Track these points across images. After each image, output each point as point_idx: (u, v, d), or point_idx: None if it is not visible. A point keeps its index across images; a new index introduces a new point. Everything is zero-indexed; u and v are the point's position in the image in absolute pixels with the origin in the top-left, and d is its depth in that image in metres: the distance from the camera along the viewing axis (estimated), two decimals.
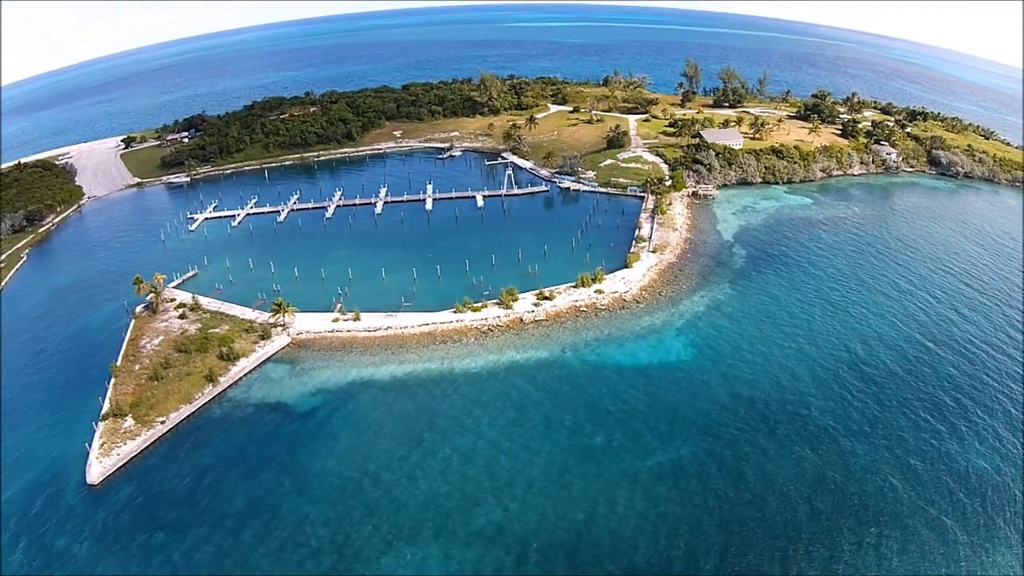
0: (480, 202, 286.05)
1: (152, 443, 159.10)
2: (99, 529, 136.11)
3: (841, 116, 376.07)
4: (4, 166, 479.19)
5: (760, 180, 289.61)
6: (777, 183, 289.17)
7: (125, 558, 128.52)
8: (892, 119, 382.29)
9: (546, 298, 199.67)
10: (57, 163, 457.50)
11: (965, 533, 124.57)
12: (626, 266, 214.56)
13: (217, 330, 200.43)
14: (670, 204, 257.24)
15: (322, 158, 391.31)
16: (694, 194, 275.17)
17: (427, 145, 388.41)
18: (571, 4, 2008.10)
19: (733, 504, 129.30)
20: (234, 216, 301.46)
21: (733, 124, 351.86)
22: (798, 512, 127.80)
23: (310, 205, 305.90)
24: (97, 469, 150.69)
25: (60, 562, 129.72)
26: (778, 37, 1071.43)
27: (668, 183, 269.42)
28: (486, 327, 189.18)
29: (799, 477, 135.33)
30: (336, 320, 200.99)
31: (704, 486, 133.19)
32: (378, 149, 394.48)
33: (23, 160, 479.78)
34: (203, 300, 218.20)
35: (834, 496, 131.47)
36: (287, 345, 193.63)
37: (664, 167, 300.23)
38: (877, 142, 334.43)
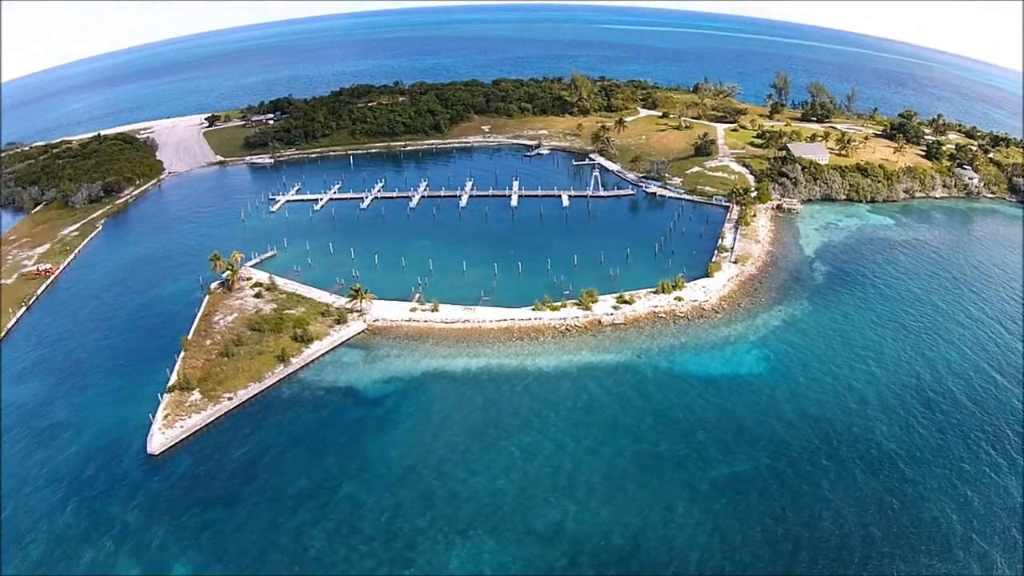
0: (566, 202, 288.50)
1: (217, 418, 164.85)
2: (153, 498, 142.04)
3: (926, 137, 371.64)
4: (84, 136, 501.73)
5: (844, 197, 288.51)
6: (860, 201, 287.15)
7: (175, 528, 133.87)
8: (975, 143, 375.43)
9: (625, 302, 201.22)
10: (138, 137, 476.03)
11: (1013, 572, 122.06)
12: (707, 275, 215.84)
13: (292, 311, 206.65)
14: (754, 216, 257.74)
15: (408, 148, 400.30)
16: (778, 207, 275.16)
17: (515, 141, 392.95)
18: (662, 8, 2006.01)
19: (789, 523, 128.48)
20: (316, 200, 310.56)
21: (820, 139, 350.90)
22: (852, 536, 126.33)
23: (394, 194, 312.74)
24: (159, 439, 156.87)
25: (107, 526, 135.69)
26: (867, 54, 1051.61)
27: (753, 194, 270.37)
28: (564, 327, 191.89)
29: (856, 500, 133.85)
30: (414, 309, 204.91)
31: (762, 502, 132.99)
32: (465, 142, 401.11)
33: (103, 132, 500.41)
34: (280, 281, 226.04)
35: (889, 522, 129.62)
36: (362, 331, 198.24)
37: (750, 178, 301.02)
38: (960, 166, 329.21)
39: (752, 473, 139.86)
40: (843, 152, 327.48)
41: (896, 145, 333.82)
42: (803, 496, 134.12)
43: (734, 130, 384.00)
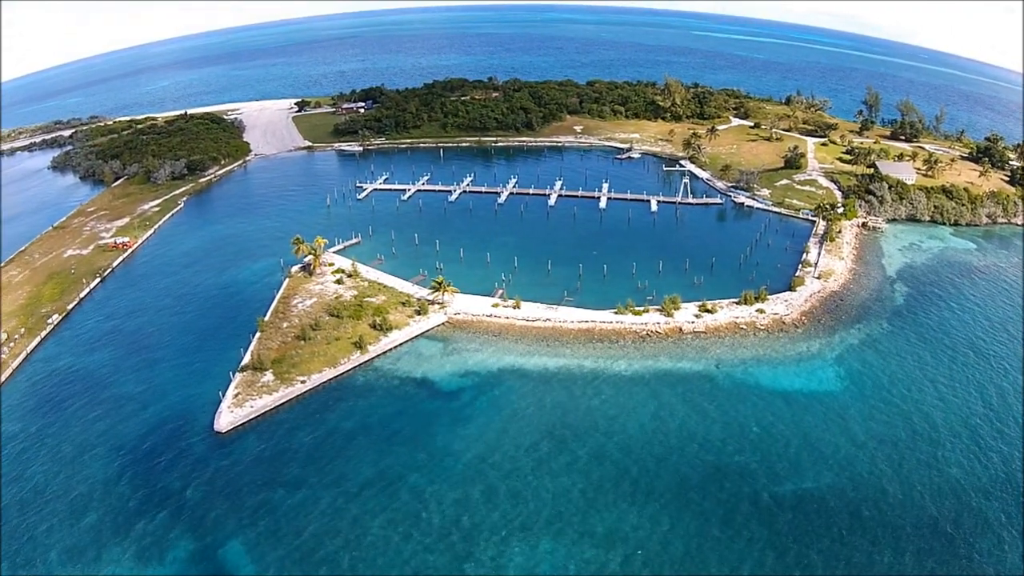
0: (654, 207, 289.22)
1: (288, 401, 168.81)
2: (215, 475, 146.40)
3: (1011, 162, 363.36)
4: (170, 114, 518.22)
5: (928, 218, 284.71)
6: (944, 223, 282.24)
7: (234, 506, 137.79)
8: None
9: (708, 311, 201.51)
10: (225, 118, 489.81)
11: None
12: (790, 288, 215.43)
13: (373, 299, 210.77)
14: (839, 232, 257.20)
15: (499, 144, 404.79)
16: (863, 225, 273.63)
17: (606, 144, 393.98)
18: (755, 19, 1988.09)
19: (846, 545, 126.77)
20: (404, 190, 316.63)
21: (908, 158, 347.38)
22: (905, 563, 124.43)
23: (483, 189, 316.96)
24: (227, 417, 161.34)
25: (165, 499, 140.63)
26: (959, 75, 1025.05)
27: (840, 211, 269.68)
28: (644, 332, 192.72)
29: (914, 526, 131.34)
30: (496, 305, 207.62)
31: (823, 522, 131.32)
32: (557, 142, 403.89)
33: (189, 111, 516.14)
34: (362, 268, 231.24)
35: (944, 549, 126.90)
36: (442, 323, 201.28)
37: (838, 194, 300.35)
38: None
39: (817, 492, 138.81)
40: (929, 173, 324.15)
41: (981, 169, 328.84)
42: (863, 519, 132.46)
43: (824, 144, 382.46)
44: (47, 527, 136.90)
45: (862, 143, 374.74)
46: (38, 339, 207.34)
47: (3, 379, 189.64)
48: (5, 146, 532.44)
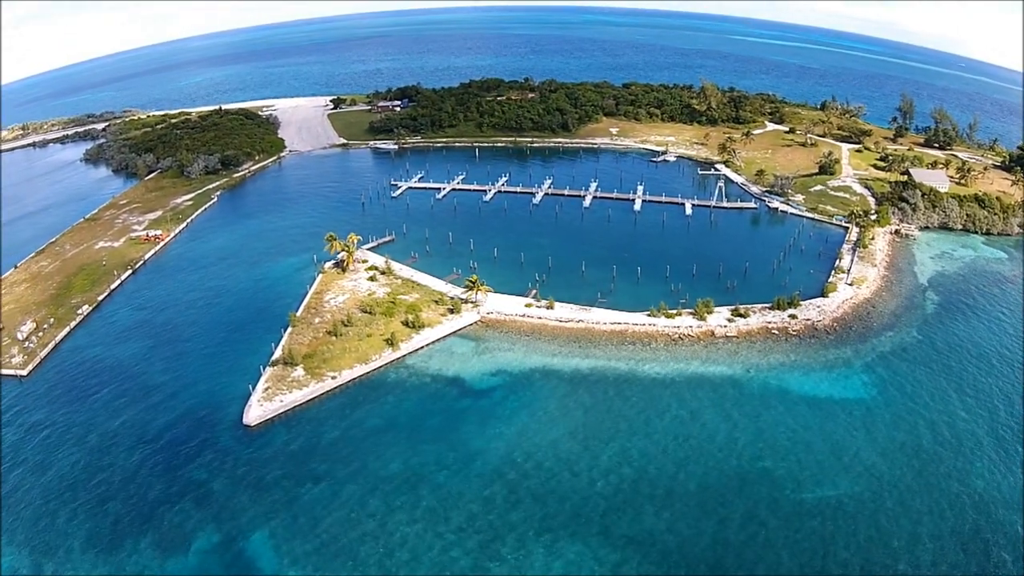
0: (689, 210, 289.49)
1: (318, 396, 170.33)
2: (243, 468, 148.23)
3: None
4: (204, 109, 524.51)
5: (960, 227, 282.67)
6: (976, 232, 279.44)
7: (260, 499, 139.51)
8: None
9: (740, 315, 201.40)
10: (260, 114, 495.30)
11: None
12: (822, 295, 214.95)
13: (406, 297, 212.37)
14: (872, 239, 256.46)
15: (535, 145, 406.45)
16: (896, 232, 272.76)
17: (642, 146, 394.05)
18: (791, 24, 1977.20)
19: (866, 555, 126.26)
20: (439, 189, 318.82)
21: (941, 166, 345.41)
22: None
23: (518, 189, 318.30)
24: (256, 411, 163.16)
25: (191, 490, 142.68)
26: (994, 84, 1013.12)
27: (873, 217, 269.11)
28: (677, 335, 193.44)
29: (933, 537, 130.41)
30: (529, 306, 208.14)
31: (847, 530, 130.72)
32: (592, 143, 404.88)
33: (224, 106, 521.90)
34: (396, 266, 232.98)
35: (963, 562, 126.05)
36: (475, 322, 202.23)
37: (871, 200, 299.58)
38: None
39: (842, 499, 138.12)
40: (962, 181, 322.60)
41: (1014, 178, 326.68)
42: (884, 531, 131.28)
43: (858, 151, 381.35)
44: (69, 514, 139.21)
45: (896, 150, 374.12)
46: (67, 329, 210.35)
47: (30, 369, 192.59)
48: (37, 138, 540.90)
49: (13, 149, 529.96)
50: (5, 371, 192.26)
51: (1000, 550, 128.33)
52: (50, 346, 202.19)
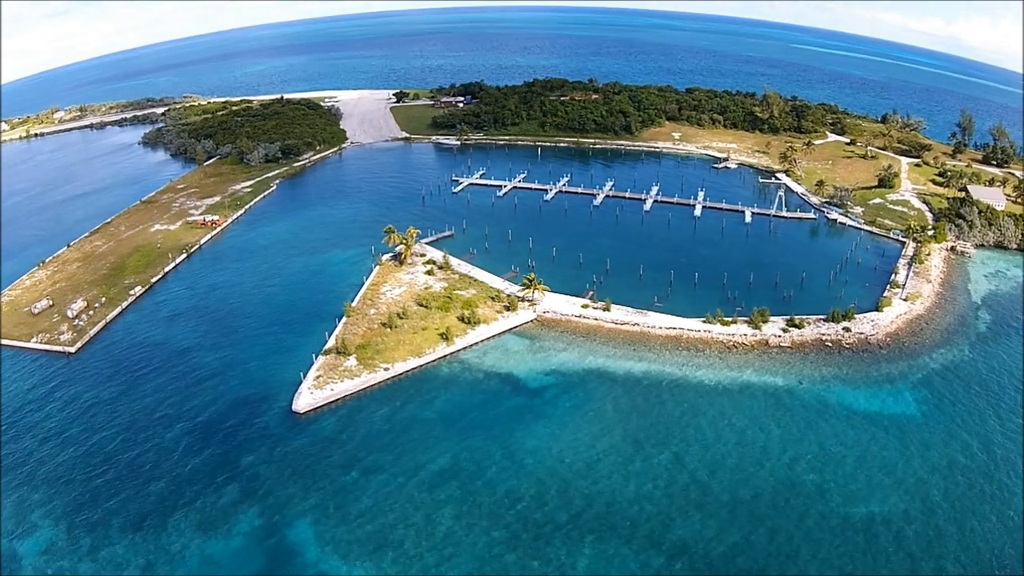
0: (748, 218, 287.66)
1: (369, 386, 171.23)
2: (290, 454, 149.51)
3: None
4: (266, 97, 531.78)
5: (1015, 247, 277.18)
6: None
7: (306, 486, 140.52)
8: None
9: (795, 325, 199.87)
10: (322, 104, 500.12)
11: None
12: (877, 309, 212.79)
13: (462, 292, 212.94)
14: (928, 255, 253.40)
15: (597, 146, 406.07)
16: (952, 249, 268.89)
17: (704, 152, 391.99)
18: (853, 35, 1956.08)
19: (910, 569, 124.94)
20: (500, 187, 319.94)
21: (998, 184, 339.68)
22: None
23: (579, 190, 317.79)
24: (307, 399, 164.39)
25: (236, 474, 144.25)
26: None
27: (930, 233, 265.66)
28: (731, 343, 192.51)
29: (974, 559, 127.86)
30: (585, 306, 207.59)
31: (893, 548, 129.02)
32: (655, 147, 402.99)
33: (286, 96, 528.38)
34: (454, 261, 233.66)
35: None
36: (531, 321, 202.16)
37: (928, 216, 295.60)
38: None
39: (889, 516, 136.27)
40: (1019, 200, 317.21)
41: None
42: (931, 549, 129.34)
43: (917, 165, 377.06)
44: (111, 491, 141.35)
45: (955, 166, 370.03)
46: (118, 309, 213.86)
47: (78, 346, 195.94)
48: (94, 119, 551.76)
49: (70, 130, 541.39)
50: (53, 347, 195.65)
51: None
52: (100, 325, 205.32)
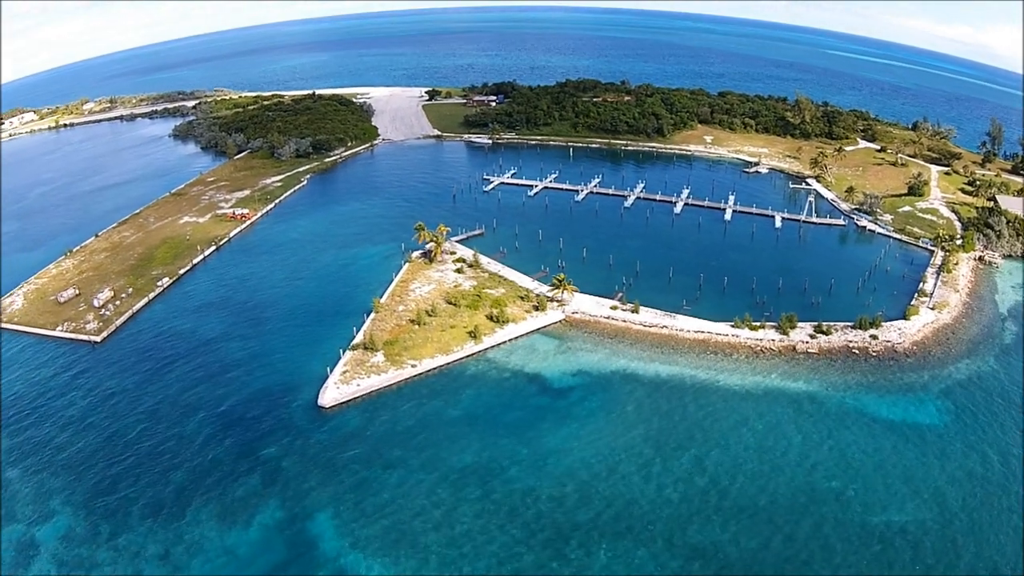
0: (778, 223, 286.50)
1: (396, 383, 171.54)
2: (314, 448, 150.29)
3: None
4: (298, 93, 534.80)
5: None
6: None
7: (328, 480, 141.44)
8: None
9: (823, 332, 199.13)
10: (354, 101, 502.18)
11: None
12: (904, 317, 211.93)
13: (491, 291, 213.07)
14: (956, 264, 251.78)
15: (629, 148, 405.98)
16: (980, 259, 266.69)
17: (736, 156, 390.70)
18: (887, 41, 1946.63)
19: None
20: (531, 186, 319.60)
21: None
22: None
23: (610, 191, 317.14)
24: (332, 393, 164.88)
25: (259, 466, 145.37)
26: None
27: (959, 242, 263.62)
28: (759, 348, 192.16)
29: (991, 572, 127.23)
30: (614, 308, 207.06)
31: (911, 557, 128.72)
32: (686, 150, 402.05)
33: (318, 91, 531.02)
34: (484, 259, 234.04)
35: None
36: (559, 321, 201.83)
37: (957, 225, 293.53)
38: None
39: (908, 526, 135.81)
40: None
41: None
42: (946, 560, 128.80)
43: (947, 174, 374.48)
44: (132, 479, 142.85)
45: (984, 175, 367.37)
46: (145, 300, 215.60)
47: (104, 336, 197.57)
48: (124, 111, 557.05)
49: (100, 121, 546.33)
50: (78, 336, 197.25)
51: None
52: (126, 315, 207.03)
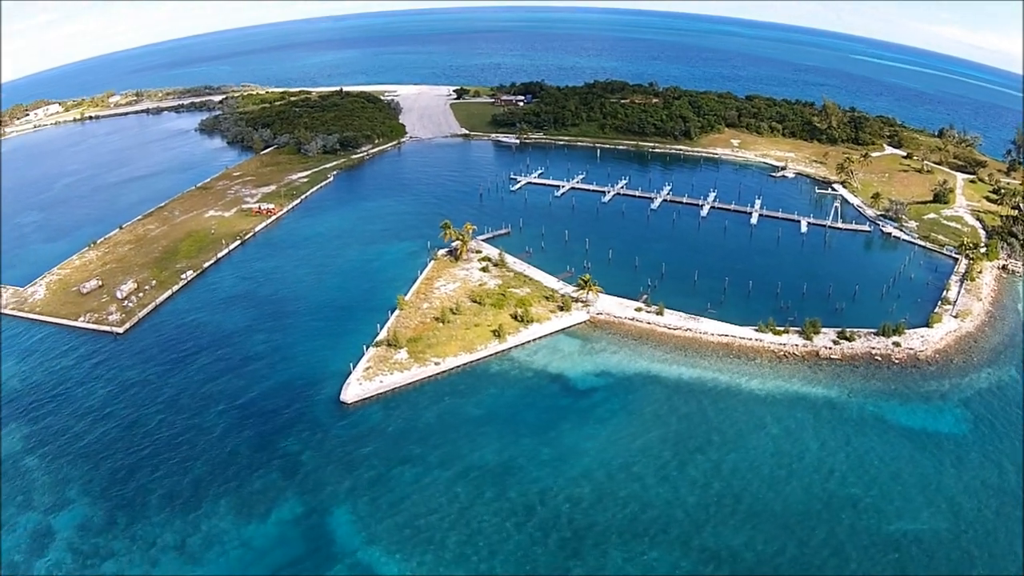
0: (804, 228, 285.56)
1: (419, 380, 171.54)
2: (334, 443, 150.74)
3: None
4: (325, 89, 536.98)
5: None
6: None
7: (347, 475, 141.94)
8: None
9: (846, 338, 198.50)
10: (382, 98, 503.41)
11: None
12: (927, 324, 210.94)
13: (516, 291, 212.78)
14: (980, 272, 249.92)
15: (656, 150, 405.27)
16: (1003, 268, 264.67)
17: (762, 160, 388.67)
18: (912, 47, 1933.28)
19: None
20: (558, 187, 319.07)
21: None
22: None
23: (637, 193, 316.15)
24: (355, 389, 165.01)
25: (278, 460, 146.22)
26: None
27: (983, 251, 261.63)
28: (782, 352, 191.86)
29: None
30: (639, 310, 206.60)
31: (923, 566, 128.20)
32: (713, 153, 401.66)
33: (345, 88, 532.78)
34: (509, 259, 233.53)
35: None
36: (584, 321, 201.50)
37: (982, 233, 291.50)
38: None
39: (924, 534, 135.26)
40: None
41: None
42: (961, 568, 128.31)
43: (972, 182, 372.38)
44: (151, 469, 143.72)
45: (1009, 183, 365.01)
46: (168, 292, 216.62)
47: (126, 327, 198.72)
48: (151, 104, 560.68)
49: (126, 114, 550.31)
50: (101, 327, 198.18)
51: None
52: (149, 307, 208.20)
